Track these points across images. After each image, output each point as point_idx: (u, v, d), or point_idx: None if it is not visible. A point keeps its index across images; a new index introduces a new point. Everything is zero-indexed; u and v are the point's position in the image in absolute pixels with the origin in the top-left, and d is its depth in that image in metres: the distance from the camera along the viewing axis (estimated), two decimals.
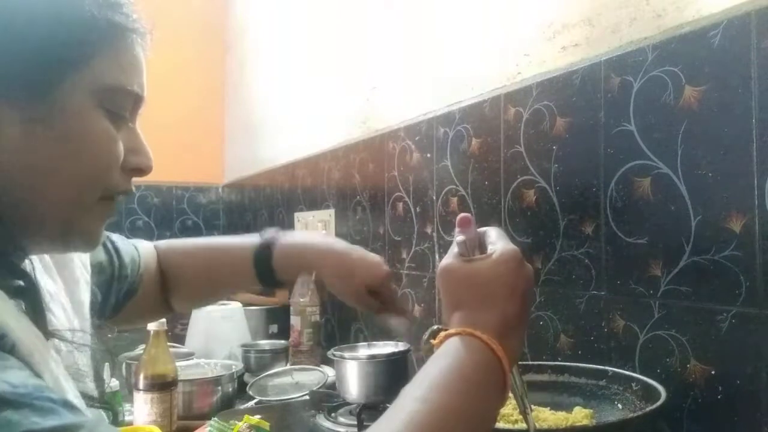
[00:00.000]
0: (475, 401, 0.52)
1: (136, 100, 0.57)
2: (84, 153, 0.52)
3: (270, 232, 0.88)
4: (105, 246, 0.79)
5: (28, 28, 0.49)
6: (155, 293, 0.88)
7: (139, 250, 0.86)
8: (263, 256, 0.86)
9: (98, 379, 0.65)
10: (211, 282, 0.92)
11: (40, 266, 0.62)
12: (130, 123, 0.58)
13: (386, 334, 1.30)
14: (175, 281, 0.90)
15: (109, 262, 0.79)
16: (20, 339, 0.44)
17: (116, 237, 0.84)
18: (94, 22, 0.52)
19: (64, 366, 0.52)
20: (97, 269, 0.74)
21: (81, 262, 0.71)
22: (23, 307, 0.51)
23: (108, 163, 0.54)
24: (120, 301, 0.81)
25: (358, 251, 0.85)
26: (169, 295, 0.90)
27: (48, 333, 0.54)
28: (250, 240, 0.88)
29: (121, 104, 0.55)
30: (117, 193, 0.57)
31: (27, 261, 0.56)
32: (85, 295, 0.69)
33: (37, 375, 0.43)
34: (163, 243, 0.93)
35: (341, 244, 0.87)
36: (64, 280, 0.66)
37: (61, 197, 0.52)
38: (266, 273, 0.86)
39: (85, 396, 0.55)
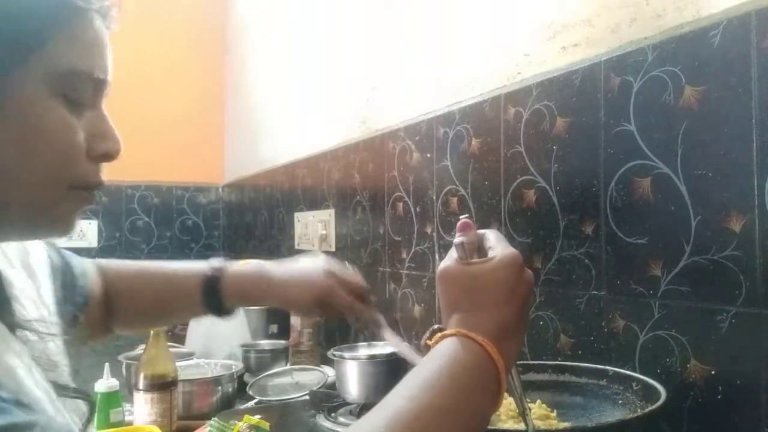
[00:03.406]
0: (463, 401, 0.51)
1: (98, 84, 0.54)
2: (39, 143, 0.50)
3: (217, 262, 0.90)
4: (62, 258, 0.78)
5: None
6: (99, 312, 0.86)
7: (85, 263, 0.85)
8: (212, 286, 0.87)
9: (76, 371, 0.65)
10: (158, 308, 0.92)
11: (5, 260, 0.61)
12: (94, 108, 0.55)
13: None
14: (120, 303, 0.88)
15: (62, 270, 0.76)
16: None
17: (67, 252, 0.82)
18: (44, 4, 0.50)
19: (31, 356, 0.51)
20: (54, 275, 0.72)
21: (43, 269, 0.69)
22: None
23: (68, 154, 0.52)
24: (75, 312, 0.78)
25: (297, 273, 0.88)
26: (111, 316, 0.88)
27: (13, 323, 0.53)
28: (198, 268, 0.89)
29: (81, 90, 0.52)
30: (88, 186, 0.55)
31: None
32: (50, 300, 0.68)
33: None
34: (106, 262, 0.91)
35: (281, 272, 0.89)
36: (32, 278, 0.65)
37: (24, 190, 0.50)
38: (214, 303, 0.88)
39: (58, 385, 0.54)
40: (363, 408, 1.14)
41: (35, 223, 0.53)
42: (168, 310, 0.94)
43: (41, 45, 0.49)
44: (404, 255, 1.42)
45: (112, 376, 1.25)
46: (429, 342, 0.58)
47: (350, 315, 0.89)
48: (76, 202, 0.55)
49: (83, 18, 0.52)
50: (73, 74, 0.51)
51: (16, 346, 0.51)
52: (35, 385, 0.49)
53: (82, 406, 0.60)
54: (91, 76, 0.53)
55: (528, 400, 0.64)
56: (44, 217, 0.53)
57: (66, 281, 0.77)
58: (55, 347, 0.60)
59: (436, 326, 0.60)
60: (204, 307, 0.88)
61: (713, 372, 0.76)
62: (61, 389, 0.54)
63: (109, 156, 0.56)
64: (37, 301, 0.63)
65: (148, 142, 2.60)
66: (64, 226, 0.55)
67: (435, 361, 0.54)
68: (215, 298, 0.87)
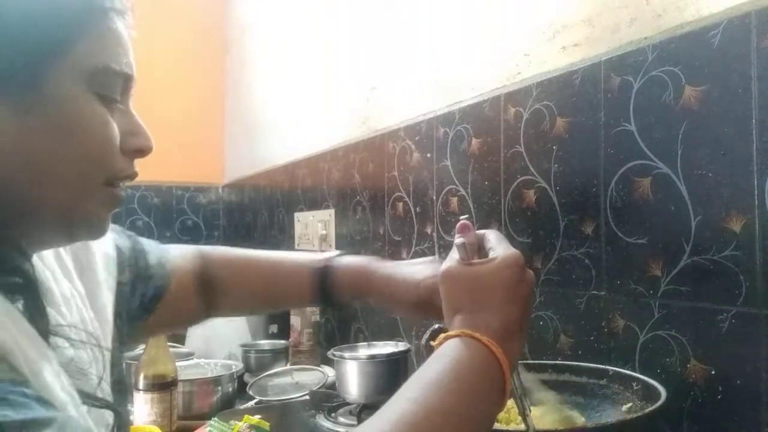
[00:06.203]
0: (469, 403, 0.51)
1: (126, 79, 0.56)
2: (79, 140, 0.51)
3: (329, 256, 0.87)
4: (133, 247, 0.78)
5: (5, 19, 0.48)
6: (191, 296, 0.86)
7: (170, 253, 0.85)
8: (323, 279, 0.85)
9: (117, 380, 0.64)
10: (267, 297, 0.91)
11: (58, 269, 0.62)
12: (122, 105, 0.56)
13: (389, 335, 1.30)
14: (227, 289, 0.88)
15: (135, 264, 0.77)
16: None
17: (147, 241, 0.82)
18: (73, 4, 0.51)
19: (59, 363, 0.51)
20: (121, 270, 0.73)
21: (104, 265, 0.69)
22: (19, 305, 0.50)
23: (104, 149, 0.53)
24: (146, 303, 0.78)
25: (404, 270, 0.82)
26: (214, 300, 0.88)
27: (47, 330, 0.53)
28: (307, 261, 0.87)
29: (111, 86, 0.54)
30: (122, 178, 0.56)
31: (27, 262, 0.56)
32: (108, 299, 0.68)
33: (15, 369, 0.43)
34: (216, 249, 0.91)
35: (388, 268, 0.84)
36: (85, 284, 0.65)
37: (61, 187, 0.51)
38: (324, 296, 0.86)
39: (84, 394, 0.54)
40: (363, 408, 1.14)
41: (71, 222, 0.54)
42: (274, 300, 0.93)
43: (73, 44, 0.50)
44: (404, 255, 1.42)
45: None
46: (432, 343, 0.57)
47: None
48: (110, 200, 0.56)
49: (107, 18, 0.53)
50: (105, 71, 0.53)
51: (46, 351, 0.51)
52: (61, 390, 0.49)
53: (108, 417, 0.59)
54: (121, 73, 0.54)
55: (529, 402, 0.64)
56: (80, 215, 0.54)
57: (139, 274, 0.77)
58: (86, 356, 0.60)
59: (436, 326, 0.60)
60: (315, 300, 0.86)
61: (713, 372, 0.76)
62: (87, 398, 0.54)
63: (142, 152, 0.57)
64: (82, 308, 0.63)
65: None
66: (98, 226, 0.56)
67: (439, 362, 0.54)
68: (326, 292, 0.85)
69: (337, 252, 0.88)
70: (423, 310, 0.78)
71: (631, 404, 0.79)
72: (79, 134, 0.51)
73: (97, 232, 0.57)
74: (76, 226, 0.55)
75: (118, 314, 0.69)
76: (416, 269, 0.81)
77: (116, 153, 0.54)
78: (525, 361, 0.92)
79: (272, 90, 2.41)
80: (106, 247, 0.71)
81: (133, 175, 0.57)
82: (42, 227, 0.53)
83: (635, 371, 0.83)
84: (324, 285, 0.84)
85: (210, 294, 0.87)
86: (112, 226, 0.75)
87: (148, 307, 0.79)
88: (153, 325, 0.82)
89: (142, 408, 1.16)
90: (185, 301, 0.85)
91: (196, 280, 0.86)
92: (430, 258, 0.86)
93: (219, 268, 0.88)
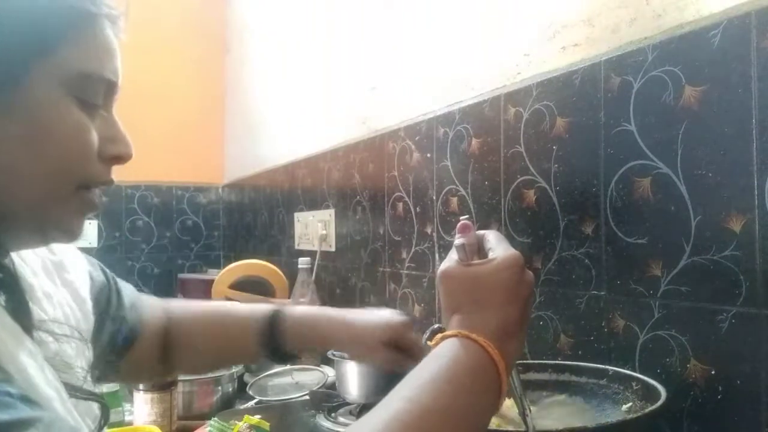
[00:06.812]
0: (464, 403, 0.51)
1: (109, 86, 0.55)
2: (54, 144, 0.51)
3: (275, 307, 0.87)
4: (108, 283, 0.78)
5: None
6: (156, 351, 0.85)
7: (143, 300, 0.85)
8: (271, 331, 0.84)
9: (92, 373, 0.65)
10: (217, 351, 0.90)
11: (40, 269, 0.62)
12: (105, 111, 0.56)
13: None
14: (181, 346, 0.87)
15: (107, 299, 0.76)
16: None
17: (123, 283, 0.82)
18: (58, 8, 0.51)
19: (44, 357, 0.51)
20: (94, 300, 0.72)
21: (81, 284, 0.70)
22: (1, 300, 0.50)
23: (81, 154, 0.53)
24: (117, 345, 0.77)
25: (366, 314, 0.84)
26: (174, 357, 0.87)
27: (30, 325, 0.53)
28: (257, 310, 0.87)
29: (93, 92, 0.54)
30: (97, 184, 0.56)
31: (8, 257, 0.56)
32: (86, 293, 0.69)
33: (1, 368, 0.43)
34: (176, 304, 0.91)
35: (348, 313, 0.85)
36: (72, 295, 0.66)
37: (35, 190, 0.51)
38: (272, 345, 0.85)
39: (71, 387, 0.54)
40: (363, 408, 1.14)
41: (44, 224, 0.54)
42: (224, 354, 0.92)
43: (54, 48, 0.50)
44: (404, 255, 1.42)
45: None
46: (429, 342, 0.57)
47: (408, 357, 0.81)
48: (84, 205, 0.56)
49: (94, 23, 0.53)
50: (85, 76, 0.52)
51: (30, 345, 0.51)
52: (46, 385, 0.49)
53: (95, 408, 0.60)
54: (102, 78, 0.54)
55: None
56: (52, 218, 0.54)
57: (108, 311, 0.76)
58: (71, 349, 0.60)
59: (435, 326, 0.60)
60: (261, 349, 0.85)
61: (713, 372, 0.76)
62: (73, 390, 0.54)
63: (121, 159, 0.57)
64: (64, 302, 0.63)
65: (149, 142, 2.58)
66: (71, 229, 0.56)
67: (435, 362, 0.54)
68: (273, 341, 0.84)
69: (287, 302, 0.88)
70: (388, 349, 0.79)
71: (631, 404, 0.79)
72: (54, 137, 0.51)
73: (71, 236, 0.57)
74: (50, 228, 0.55)
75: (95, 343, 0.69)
76: (376, 314, 0.83)
77: (92, 158, 0.54)
78: (525, 361, 0.93)
79: (272, 90, 2.41)
80: (81, 271, 0.71)
81: (108, 182, 0.57)
82: (15, 227, 0.53)
83: (635, 371, 0.83)
84: (272, 334, 0.84)
85: (170, 351, 0.86)
86: (89, 259, 0.76)
87: (120, 352, 0.78)
88: (124, 373, 0.81)
89: (142, 408, 1.16)
90: (149, 356, 0.84)
91: (160, 337, 0.85)
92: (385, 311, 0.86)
93: (179, 323, 0.87)
